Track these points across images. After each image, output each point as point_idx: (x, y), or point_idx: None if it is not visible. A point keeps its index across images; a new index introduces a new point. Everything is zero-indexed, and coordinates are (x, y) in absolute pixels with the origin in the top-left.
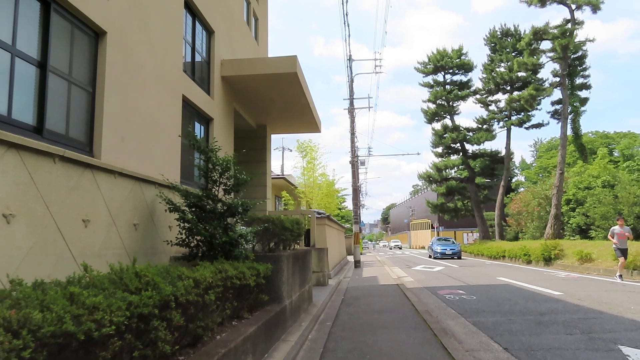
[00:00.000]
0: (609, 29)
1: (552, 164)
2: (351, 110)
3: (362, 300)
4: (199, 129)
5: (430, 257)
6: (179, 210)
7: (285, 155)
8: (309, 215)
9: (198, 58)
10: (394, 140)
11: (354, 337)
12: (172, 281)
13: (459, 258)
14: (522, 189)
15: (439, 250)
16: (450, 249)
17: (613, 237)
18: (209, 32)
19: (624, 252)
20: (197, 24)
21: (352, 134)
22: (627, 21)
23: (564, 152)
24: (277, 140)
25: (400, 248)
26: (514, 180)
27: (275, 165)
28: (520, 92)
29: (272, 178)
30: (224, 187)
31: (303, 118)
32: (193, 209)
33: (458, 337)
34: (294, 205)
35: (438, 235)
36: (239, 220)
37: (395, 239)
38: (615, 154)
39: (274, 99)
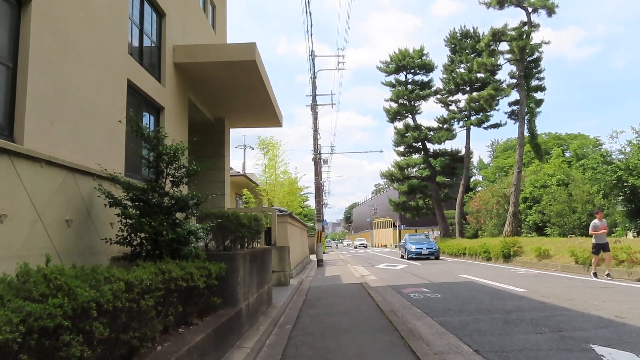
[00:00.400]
0: (559, 36)
1: (508, 163)
2: (314, 106)
3: (325, 301)
4: (148, 119)
5: (402, 257)
6: (119, 205)
7: (247, 154)
8: (270, 213)
9: (147, 42)
10: (356, 140)
11: (315, 342)
12: (96, 285)
13: (437, 259)
14: (479, 188)
15: (413, 250)
16: (427, 248)
17: (595, 231)
18: (160, 15)
19: (604, 247)
20: (146, 5)
21: (315, 130)
22: (576, 29)
23: (522, 151)
24: (238, 137)
25: (366, 247)
26: (472, 179)
27: (236, 163)
28: (480, 92)
29: (233, 175)
30: (172, 179)
31: (263, 111)
32: (136, 203)
33: (426, 339)
34: (255, 203)
35: (400, 234)
36: (190, 216)
37: (360, 237)
38: (567, 155)
39: (233, 89)
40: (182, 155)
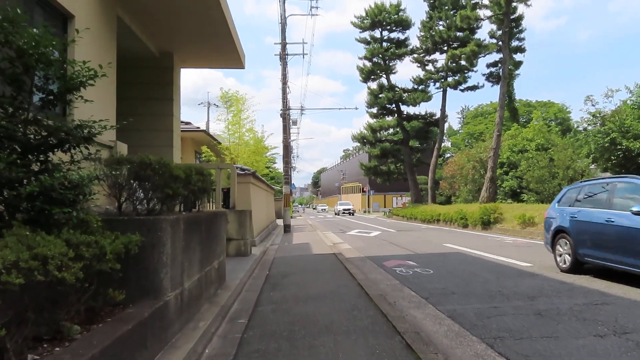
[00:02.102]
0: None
1: (478, 130)
2: (283, 55)
3: (293, 278)
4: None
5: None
6: None
7: (212, 114)
8: (230, 170)
9: None
10: (325, 105)
11: (279, 355)
12: None
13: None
14: (448, 155)
15: (340, 209)
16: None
17: None
18: None
19: None
20: None
21: (284, 83)
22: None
23: (502, 113)
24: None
25: (352, 213)
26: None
27: (201, 123)
28: (462, 48)
29: (191, 130)
30: (42, 96)
31: (222, 47)
32: None
33: (443, 348)
34: (216, 162)
35: (369, 199)
36: (79, 160)
37: (346, 200)
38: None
39: (178, 10)
40: (63, 55)
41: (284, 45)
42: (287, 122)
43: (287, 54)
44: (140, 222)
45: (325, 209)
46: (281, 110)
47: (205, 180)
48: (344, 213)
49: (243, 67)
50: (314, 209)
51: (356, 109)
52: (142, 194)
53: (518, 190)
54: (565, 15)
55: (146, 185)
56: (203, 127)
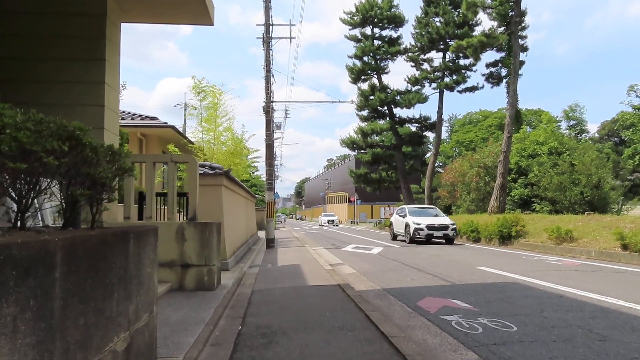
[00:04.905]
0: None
1: (468, 138)
2: (267, 39)
3: (284, 345)
4: None
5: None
6: None
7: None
8: (188, 164)
9: None
10: (308, 115)
11: None
12: None
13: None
14: (438, 164)
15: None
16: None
17: None
18: None
19: None
20: None
21: (268, 71)
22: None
23: (513, 112)
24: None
25: (337, 224)
26: (427, 155)
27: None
28: (469, 39)
29: (157, 126)
30: None
31: None
32: None
33: None
34: (186, 165)
35: (356, 209)
36: None
37: (330, 212)
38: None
39: None
40: None
41: (267, 25)
42: (270, 117)
43: (272, 37)
44: None
45: (333, 221)
46: (264, 102)
47: (96, 161)
48: (328, 224)
49: (212, 24)
50: (297, 219)
51: (352, 102)
52: None
53: (529, 199)
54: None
55: None
56: (179, 129)
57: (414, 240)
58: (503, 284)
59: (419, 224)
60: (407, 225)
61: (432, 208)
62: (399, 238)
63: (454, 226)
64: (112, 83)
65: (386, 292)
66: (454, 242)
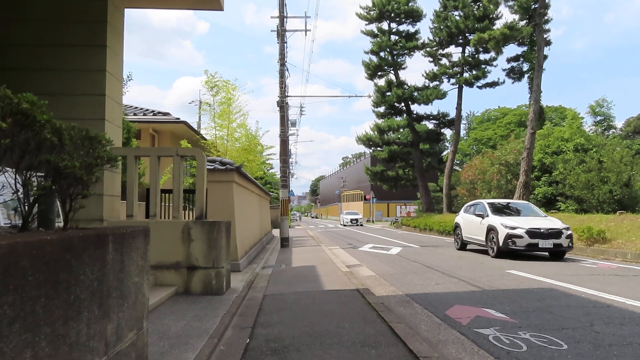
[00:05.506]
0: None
1: (486, 135)
2: (282, 32)
3: None
4: None
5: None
6: None
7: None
8: (196, 160)
9: None
10: (323, 113)
11: None
12: None
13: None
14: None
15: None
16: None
17: None
18: None
19: None
20: None
21: (282, 64)
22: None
23: (537, 107)
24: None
25: (361, 224)
26: (444, 153)
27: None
28: (492, 31)
29: (169, 122)
30: None
31: None
32: None
33: None
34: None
35: (372, 207)
36: None
37: (353, 210)
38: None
39: None
40: None
41: (281, 17)
42: (285, 112)
43: (287, 30)
44: None
45: (357, 220)
46: (278, 97)
47: (60, 146)
48: (351, 223)
49: (221, 8)
50: (312, 217)
51: (369, 96)
52: None
53: (553, 198)
54: (563, 25)
55: None
56: (193, 125)
57: (503, 252)
58: (539, 290)
59: (513, 228)
60: (490, 230)
61: (526, 203)
62: (469, 247)
63: (569, 232)
64: (114, 71)
65: (410, 298)
66: None
